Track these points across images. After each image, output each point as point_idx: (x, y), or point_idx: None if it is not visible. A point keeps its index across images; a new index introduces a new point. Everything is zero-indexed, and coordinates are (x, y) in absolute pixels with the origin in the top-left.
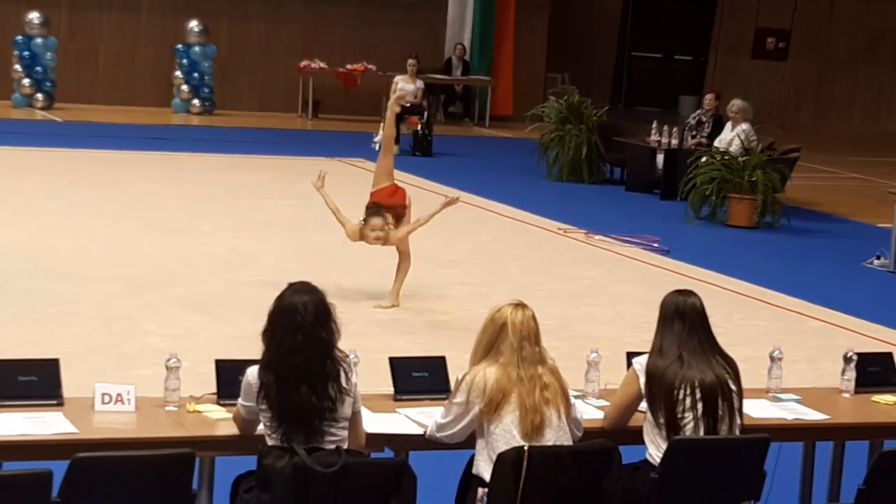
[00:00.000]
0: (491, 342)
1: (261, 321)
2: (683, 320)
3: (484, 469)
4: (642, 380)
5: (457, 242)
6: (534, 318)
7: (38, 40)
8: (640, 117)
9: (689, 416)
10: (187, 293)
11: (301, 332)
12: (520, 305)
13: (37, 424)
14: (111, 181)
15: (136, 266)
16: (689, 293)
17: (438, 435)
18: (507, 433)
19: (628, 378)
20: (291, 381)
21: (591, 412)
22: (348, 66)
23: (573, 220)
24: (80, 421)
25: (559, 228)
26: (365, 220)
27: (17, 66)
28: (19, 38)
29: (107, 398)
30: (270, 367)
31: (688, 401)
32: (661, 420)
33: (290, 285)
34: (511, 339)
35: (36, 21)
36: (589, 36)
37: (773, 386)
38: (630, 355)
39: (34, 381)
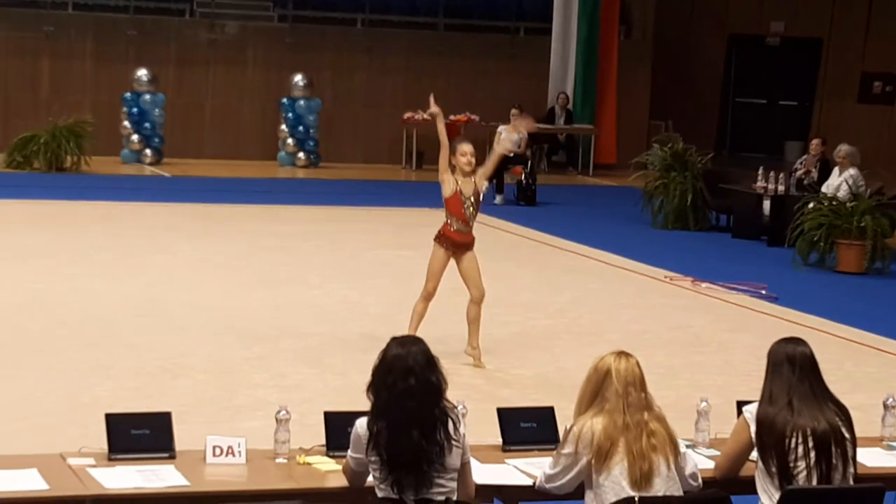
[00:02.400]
0: (595, 391)
1: (369, 372)
2: (793, 367)
3: None
4: (753, 428)
5: (563, 291)
6: (638, 365)
7: (147, 97)
8: (745, 163)
9: (801, 464)
10: (296, 345)
11: (413, 375)
12: (623, 354)
13: (149, 478)
14: (218, 235)
15: (244, 318)
16: (799, 341)
17: (547, 486)
18: (616, 484)
19: (739, 426)
20: (403, 426)
21: (701, 462)
22: (451, 117)
23: (679, 267)
24: (192, 474)
25: (665, 276)
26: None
27: (126, 123)
28: (128, 94)
29: (218, 451)
30: (381, 415)
31: (800, 449)
32: (773, 469)
33: (394, 338)
34: (616, 385)
35: (144, 78)
36: (692, 82)
37: (886, 434)
38: (740, 404)
39: (147, 435)
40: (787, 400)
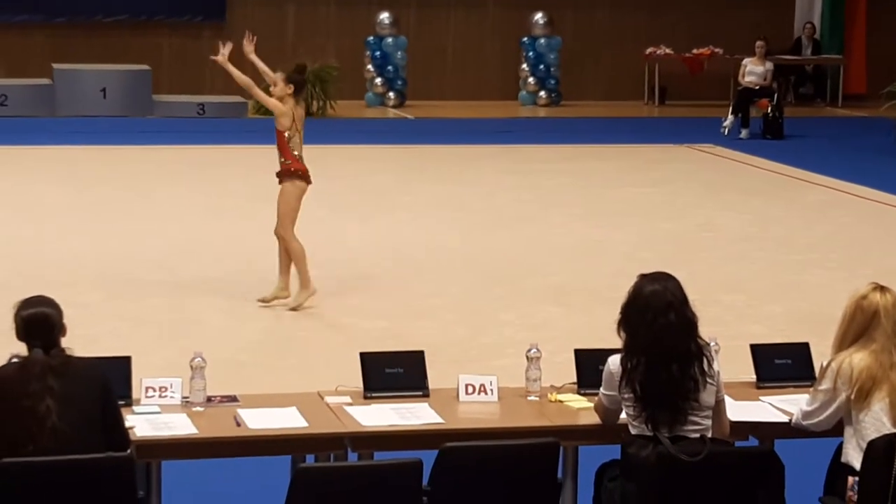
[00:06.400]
0: (861, 329)
1: (615, 310)
2: None
3: (853, 457)
4: None
5: (814, 226)
6: None
7: (389, 40)
8: None
9: None
10: (542, 284)
11: (673, 310)
12: (885, 289)
13: (405, 416)
14: (460, 176)
15: (489, 258)
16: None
17: (804, 423)
18: (877, 421)
19: None
20: (662, 361)
21: None
22: (695, 51)
23: None
24: (445, 411)
25: None
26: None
27: (370, 67)
28: (371, 38)
29: (470, 389)
30: (638, 350)
31: None
32: None
33: (643, 276)
34: (885, 325)
35: (386, 21)
36: None
37: None
38: None
39: (401, 374)
40: None
